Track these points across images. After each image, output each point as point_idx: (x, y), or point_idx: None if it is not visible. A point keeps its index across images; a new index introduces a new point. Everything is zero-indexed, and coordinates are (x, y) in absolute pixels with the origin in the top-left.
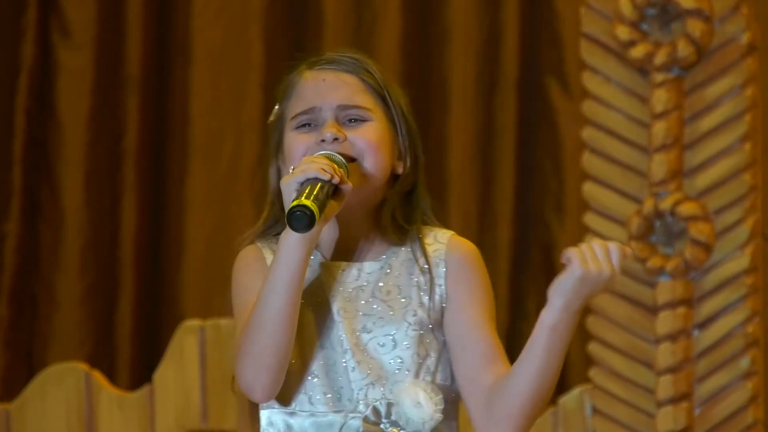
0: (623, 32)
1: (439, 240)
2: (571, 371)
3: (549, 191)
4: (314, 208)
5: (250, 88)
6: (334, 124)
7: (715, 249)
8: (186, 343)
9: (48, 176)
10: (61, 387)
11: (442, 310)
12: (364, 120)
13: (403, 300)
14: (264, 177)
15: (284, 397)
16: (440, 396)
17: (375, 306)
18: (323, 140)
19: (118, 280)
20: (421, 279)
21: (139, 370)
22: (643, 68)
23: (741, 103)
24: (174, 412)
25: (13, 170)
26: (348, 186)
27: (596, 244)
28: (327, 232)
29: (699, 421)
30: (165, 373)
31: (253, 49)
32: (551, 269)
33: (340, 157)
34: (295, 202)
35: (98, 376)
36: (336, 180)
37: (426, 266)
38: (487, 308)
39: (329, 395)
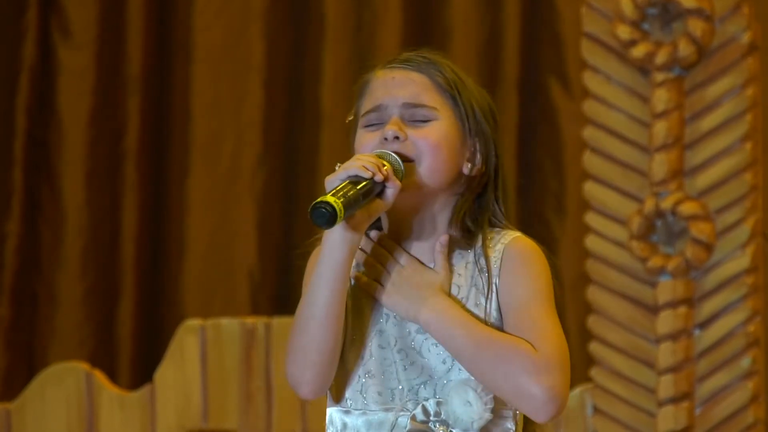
0: (624, 32)
1: (503, 241)
2: (572, 371)
3: (550, 191)
4: (338, 204)
5: (250, 88)
6: (397, 122)
7: (715, 248)
8: (187, 342)
9: (49, 176)
10: (62, 386)
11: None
12: (428, 120)
13: (460, 300)
14: (262, 176)
15: (340, 394)
16: (491, 395)
17: None
18: (385, 138)
19: (118, 280)
20: (480, 281)
21: (139, 370)
22: (643, 68)
23: (742, 103)
24: (175, 411)
25: (13, 170)
26: (395, 184)
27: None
28: (396, 229)
29: (700, 420)
30: (166, 373)
31: (254, 48)
32: (552, 269)
33: (395, 157)
34: (319, 198)
35: (99, 376)
36: (379, 178)
37: (485, 267)
38: (538, 293)
39: (382, 394)
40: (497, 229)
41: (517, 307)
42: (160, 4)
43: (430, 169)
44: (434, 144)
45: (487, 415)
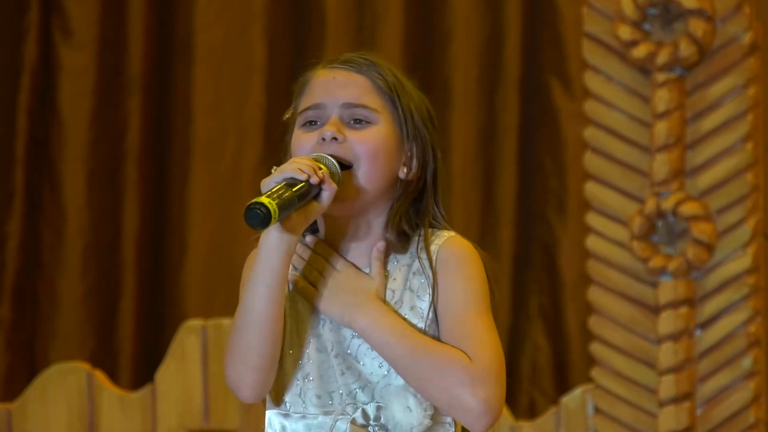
0: (625, 32)
1: (437, 242)
2: (573, 371)
3: (551, 191)
4: (272, 205)
5: (252, 88)
6: (336, 122)
7: (716, 249)
8: (188, 342)
9: (50, 176)
10: (63, 387)
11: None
12: (368, 122)
13: (395, 304)
14: (263, 175)
15: (279, 397)
16: (430, 402)
17: None
18: (323, 139)
19: (119, 280)
20: (414, 282)
21: (140, 370)
22: (645, 68)
23: (743, 103)
24: (176, 411)
25: (15, 170)
26: (331, 187)
27: None
28: (332, 234)
29: (701, 420)
30: (167, 373)
31: (255, 48)
32: (553, 269)
33: (332, 160)
34: (253, 200)
35: (100, 376)
36: (314, 180)
37: (421, 269)
38: (472, 298)
39: (321, 397)
40: (435, 230)
41: (452, 313)
42: (161, 4)
43: (367, 174)
44: (372, 149)
45: (427, 422)
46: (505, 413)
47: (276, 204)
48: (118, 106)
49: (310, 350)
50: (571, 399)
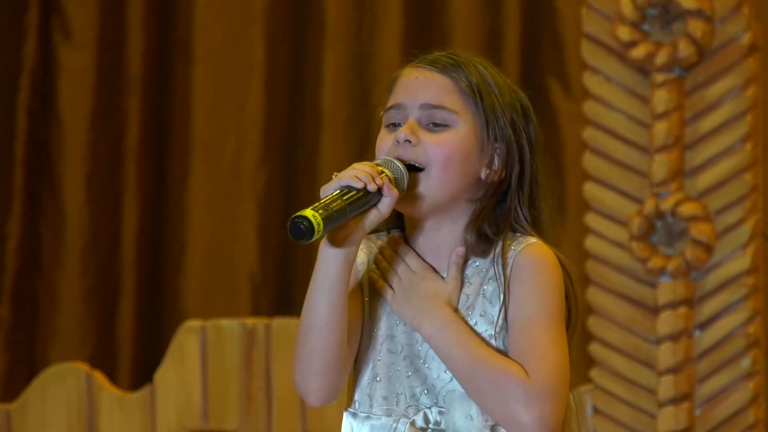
0: (624, 32)
1: (516, 248)
2: (572, 371)
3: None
4: (316, 218)
5: (251, 88)
6: (412, 124)
7: (716, 249)
8: (187, 343)
9: (49, 176)
10: (62, 387)
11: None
12: (446, 125)
13: (467, 309)
14: (262, 175)
15: (350, 396)
16: (486, 413)
17: None
18: (397, 141)
19: (119, 280)
20: (488, 288)
21: (140, 371)
22: (644, 68)
23: (742, 104)
24: (175, 412)
25: (14, 170)
26: (392, 194)
27: None
28: (417, 235)
29: (700, 421)
30: (166, 374)
31: (255, 48)
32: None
33: (398, 165)
34: (299, 212)
35: (99, 377)
36: (372, 188)
37: (498, 274)
38: (544, 309)
39: (387, 398)
40: (517, 235)
41: (520, 323)
42: (161, 4)
43: (437, 178)
44: (446, 153)
45: (486, 431)
46: None
47: (322, 216)
48: (117, 107)
49: (383, 350)
50: (570, 399)
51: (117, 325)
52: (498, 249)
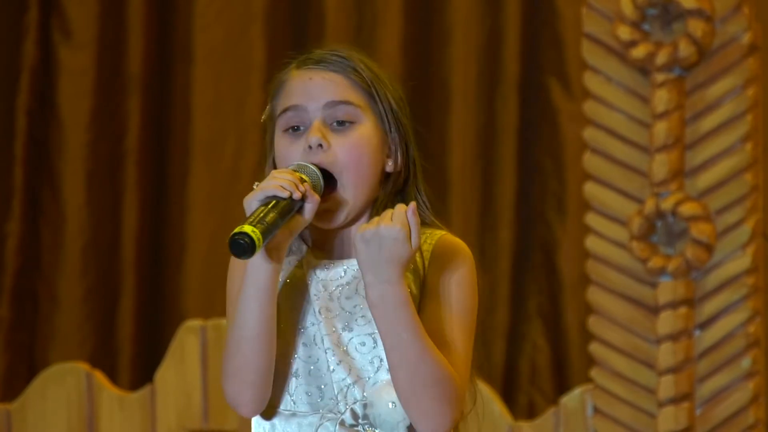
0: (624, 32)
1: (429, 241)
2: (572, 371)
3: (550, 191)
4: (255, 234)
5: (251, 88)
6: (320, 127)
7: (716, 249)
8: (187, 343)
9: (49, 176)
10: (62, 387)
11: None
12: (351, 122)
13: None
14: (262, 176)
15: (272, 394)
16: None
17: (357, 304)
18: (309, 147)
19: (119, 280)
20: (407, 278)
21: (140, 370)
22: (644, 68)
23: (742, 103)
24: (175, 412)
25: (14, 170)
26: (314, 200)
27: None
28: (316, 230)
29: (700, 421)
30: (166, 373)
31: (255, 49)
32: (552, 269)
33: (314, 169)
34: (237, 229)
35: (99, 376)
36: (297, 196)
37: (416, 265)
38: (459, 306)
39: (311, 395)
40: (425, 226)
41: (438, 318)
42: (161, 4)
43: (353, 184)
44: (356, 155)
45: None
46: (505, 413)
47: (260, 231)
48: (117, 107)
49: (298, 345)
50: (570, 399)
51: (117, 324)
52: None
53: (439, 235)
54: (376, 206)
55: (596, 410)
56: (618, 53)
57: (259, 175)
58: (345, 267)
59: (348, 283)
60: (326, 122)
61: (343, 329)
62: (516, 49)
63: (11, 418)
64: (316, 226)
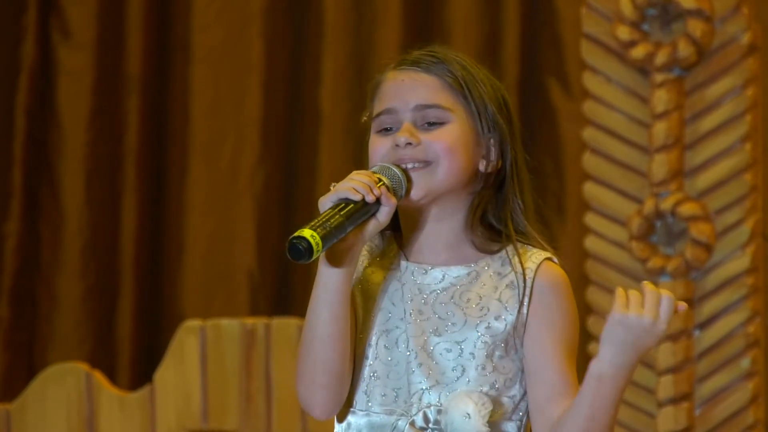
0: (624, 32)
1: (532, 260)
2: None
3: (550, 191)
4: (314, 238)
5: (250, 88)
6: (409, 127)
7: (715, 249)
8: (187, 343)
9: (48, 176)
10: (62, 387)
11: (523, 333)
12: (441, 123)
13: (480, 309)
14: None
15: (349, 397)
16: (490, 408)
17: (451, 311)
18: (397, 145)
19: (118, 280)
20: (506, 293)
21: (139, 370)
22: (643, 68)
23: (742, 104)
24: (175, 412)
25: (13, 170)
26: (390, 203)
27: (648, 291)
28: (411, 231)
29: (700, 421)
30: (166, 374)
31: (254, 48)
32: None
33: (396, 170)
34: (297, 232)
35: (99, 376)
36: (370, 199)
37: (519, 281)
38: (567, 340)
39: (386, 395)
40: (525, 243)
41: (548, 357)
42: (160, 4)
43: (445, 170)
44: (449, 145)
45: (485, 430)
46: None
47: (320, 235)
48: (116, 107)
49: (379, 347)
50: None
51: (116, 324)
52: (510, 253)
53: (542, 257)
54: (472, 207)
55: None
56: (617, 53)
57: (258, 175)
58: (444, 272)
59: (444, 290)
60: (416, 123)
61: (432, 333)
62: (515, 49)
63: (11, 418)
64: (409, 215)
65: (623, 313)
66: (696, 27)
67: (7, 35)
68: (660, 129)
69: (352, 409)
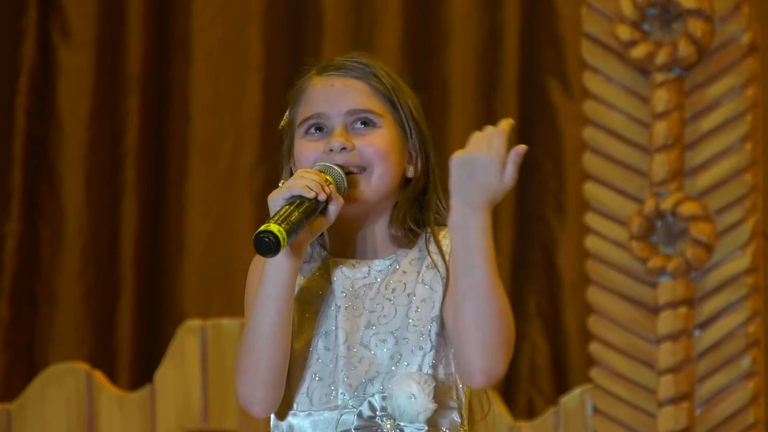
0: (624, 32)
1: (448, 237)
2: (572, 371)
3: (549, 191)
4: (281, 233)
5: (249, 88)
6: (343, 132)
7: (716, 249)
8: (187, 343)
9: (48, 176)
10: (62, 387)
11: None
12: (373, 125)
13: (407, 297)
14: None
15: (287, 396)
16: (433, 385)
17: (380, 303)
18: (331, 150)
19: (118, 280)
20: (427, 275)
21: (139, 370)
22: (644, 68)
23: (742, 103)
24: (175, 412)
25: (13, 170)
26: (338, 202)
27: (480, 132)
28: (338, 231)
29: (700, 421)
30: (166, 373)
31: (253, 48)
32: (552, 269)
33: (338, 170)
34: (262, 227)
35: (99, 376)
36: (322, 197)
37: (437, 263)
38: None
39: (328, 394)
40: (441, 226)
41: None
42: (160, 5)
43: (379, 176)
44: (382, 150)
45: (432, 406)
46: (504, 413)
47: (285, 230)
48: (116, 107)
49: (319, 349)
50: (570, 399)
51: (116, 324)
52: (427, 238)
53: None
54: (396, 210)
55: (596, 410)
56: (618, 53)
57: (257, 175)
58: (369, 267)
59: (372, 283)
60: (347, 128)
61: (365, 326)
62: (515, 48)
63: (11, 418)
64: (338, 220)
65: (458, 155)
66: (696, 27)
67: (7, 35)
68: (660, 129)
69: (293, 411)
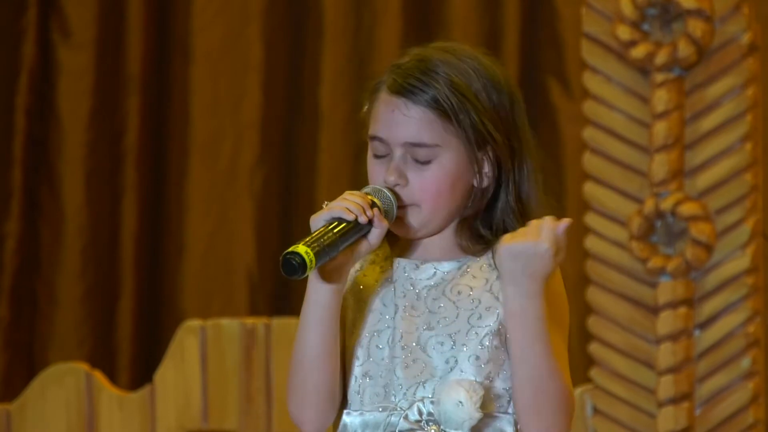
0: (624, 32)
1: None
2: (571, 371)
3: (550, 191)
4: (308, 255)
5: (249, 88)
6: (398, 167)
7: (715, 249)
8: (187, 343)
9: (48, 176)
10: (62, 387)
11: None
12: (429, 161)
13: (472, 302)
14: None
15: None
16: (481, 394)
17: (442, 305)
18: (386, 182)
19: (118, 280)
20: (496, 285)
21: (139, 370)
22: (643, 68)
23: (742, 103)
24: (175, 412)
25: (13, 170)
26: (382, 225)
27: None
28: (403, 243)
29: (700, 421)
30: (166, 373)
31: (253, 49)
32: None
33: (388, 194)
34: (291, 247)
35: (99, 376)
36: (363, 220)
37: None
38: (556, 317)
39: (379, 394)
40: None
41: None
42: (160, 5)
43: (429, 213)
44: (435, 191)
45: (478, 415)
46: None
47: (314, 252)
48: (116, 107)
49: (371, 347)
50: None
51: (116, 324)
52: (494, 250)
53: None
54: (464, 220)
55: (596, 410)
56: (617, 53)
57: (257, 175)
58: (435, 268)
59: (436, 285)
60: (406, 159)
61: (425, 328)
62: (515, 48)
63: (11, 418)
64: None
65: (507, 244)
66: (696, 27)
67: (7, 35)
68: (660, 129)
69: (346, 411)
